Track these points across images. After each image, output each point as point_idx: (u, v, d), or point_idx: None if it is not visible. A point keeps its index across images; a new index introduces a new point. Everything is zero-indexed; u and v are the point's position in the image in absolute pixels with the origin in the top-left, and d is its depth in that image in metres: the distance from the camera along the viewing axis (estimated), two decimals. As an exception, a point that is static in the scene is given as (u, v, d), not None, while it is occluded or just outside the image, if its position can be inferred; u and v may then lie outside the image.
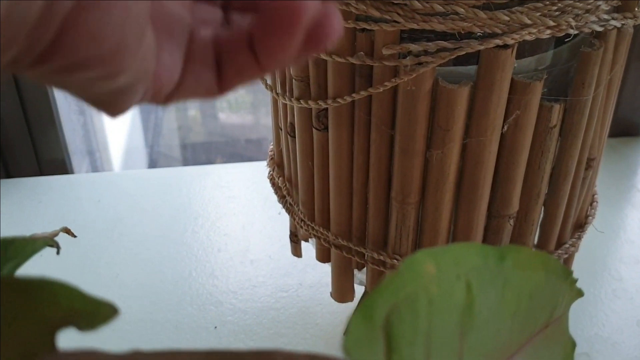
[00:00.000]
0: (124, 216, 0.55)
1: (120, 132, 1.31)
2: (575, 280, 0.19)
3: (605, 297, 0.48)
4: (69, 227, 0.55)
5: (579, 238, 0.36)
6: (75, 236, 0.25)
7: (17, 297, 0.13)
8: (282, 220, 0.54)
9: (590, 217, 0.37)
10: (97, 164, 0.81)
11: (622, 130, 0.68)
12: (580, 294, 0.20)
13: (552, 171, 0.32)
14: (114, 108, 0.18)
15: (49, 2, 0.14)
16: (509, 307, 0.16)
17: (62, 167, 0.64)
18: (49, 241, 0.19)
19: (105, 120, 0.99)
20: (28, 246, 0.17)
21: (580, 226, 0.37)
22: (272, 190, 0.41)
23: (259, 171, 0.61)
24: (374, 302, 0.14)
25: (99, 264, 0.50)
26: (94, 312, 0.13)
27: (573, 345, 0.19)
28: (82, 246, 0.51)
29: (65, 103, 0.63)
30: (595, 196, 0.38)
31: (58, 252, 0.20)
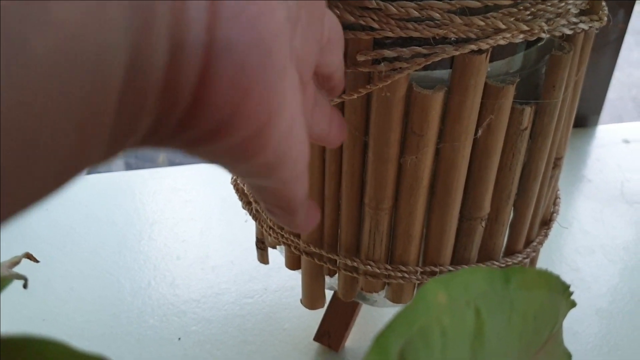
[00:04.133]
0: (76, 224, 0.53)
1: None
2: (571, 293, 0.19)
3: (564, 288, 0.49)
4: (16, 238, 0.52)
5: (545, 235, 0.37)
6: (37, 261, 0.23)
7: None
8: (241, 224, 0.53)
9: (555, 214, 0.38)
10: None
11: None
12: (573, 304, 0.20)
13: (522, 172, 0.32)
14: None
15: (173, 55, 0.12)
16: (515, 329, 0.16)
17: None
18: (18, 275, 0.18)
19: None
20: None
21: (546, 223, 0.37)
22: (230, 193, 0.40)
23: (214, 173, 0.60)
24: (388, 338, 0.13)
25: (52, 277, 0.48)
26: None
27: (569, 357, 0.19)
28: (33, 259, 0.49)
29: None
30: (558, 192, 0.39)
31: (26, 286, 0.18)
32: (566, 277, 0.50)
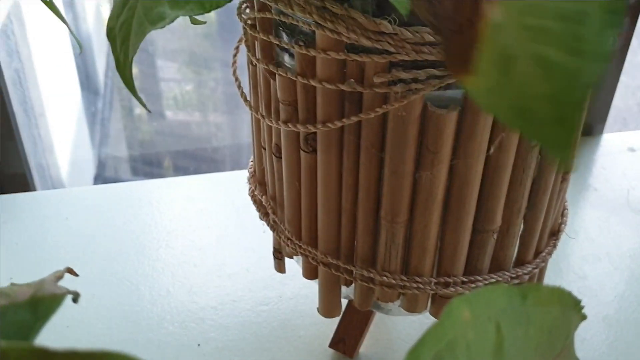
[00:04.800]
0: (95, 234, 0.54)
1: (67, 126, 1.26)
2: (582, 307, 0.20)
3: (572, 295, 0.50)
4: (37, 247, 0.53)
5: (554, 246, 0.38)
6: (77, 275, 0.25)
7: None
8: (256, 232, 0.54)
9: (563, 225, 0.39)
10: (46, 175, 0.79)
11: (576, 130, 0.70)
12: (583, 317, 0.21)
13: (532, 187, 0.33)
14: None
15: None
16: (532, 342, 0.17)
17: (23, 182, 0.63)
18: (69, 291, 0.19)
19: (52, 128, 0.96)
20: (55, 301, 0.17)
21: (554, 234, 0.38)
22: (245, 202, 0.42)
23: (229, 182, 0.61)
24: (419, 352, 0.15)
25: (73, 285, 0.49)
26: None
27: (580, 367, 0.21)
28: (55, 268, 0.50)
29: (24, 117, 0.61)
30: (566, 204, 0.40)
31: (76, 301, 0.19)
32: (573, 285, 0.51)
